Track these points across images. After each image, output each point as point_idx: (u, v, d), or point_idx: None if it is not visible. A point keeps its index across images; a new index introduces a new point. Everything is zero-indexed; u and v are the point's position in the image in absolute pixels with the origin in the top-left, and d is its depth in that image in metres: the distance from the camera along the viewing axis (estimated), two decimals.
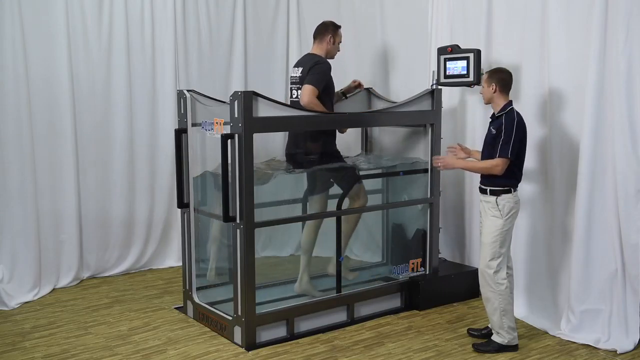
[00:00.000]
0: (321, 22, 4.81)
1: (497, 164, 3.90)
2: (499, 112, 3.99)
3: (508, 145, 3.87)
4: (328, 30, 4.73)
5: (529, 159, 4.51)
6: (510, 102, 4.01)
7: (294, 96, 4.69)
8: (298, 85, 4.63)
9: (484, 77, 4.08)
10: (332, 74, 4.66)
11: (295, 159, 4.75)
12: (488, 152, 4.03)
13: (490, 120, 4.10)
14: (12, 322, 4.57)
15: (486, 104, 4.13)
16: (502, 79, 3.99)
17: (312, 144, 4.72)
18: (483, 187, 4.06)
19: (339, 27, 4.80)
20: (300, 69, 4.65)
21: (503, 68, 4.10)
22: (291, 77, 4.78)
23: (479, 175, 4.14)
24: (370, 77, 5.85)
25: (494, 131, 3.97)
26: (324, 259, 5.06)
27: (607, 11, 3.99)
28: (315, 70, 4.53)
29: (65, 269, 5.38)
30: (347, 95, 5.15)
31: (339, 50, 4.83)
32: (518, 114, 3.99)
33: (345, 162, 4.85)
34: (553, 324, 4.40)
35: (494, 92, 3.99)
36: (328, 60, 4.71)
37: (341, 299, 4.54)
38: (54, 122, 5.23)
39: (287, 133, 4.91)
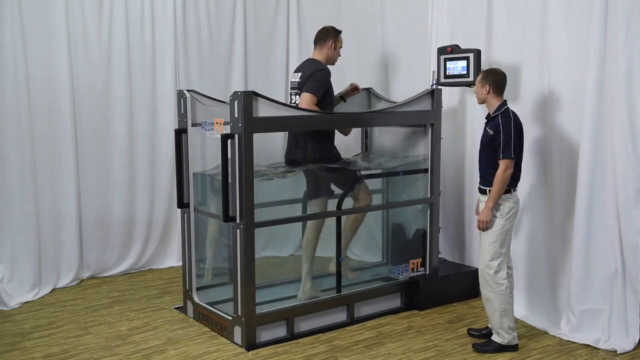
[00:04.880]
0: (322, 27, 4.76)
1: (504, 170, 3.88)
2: (494, 113, 3.99)
3: (509, 145, 3.87)
4: (329, 36, 4.68)
5: (530, 159, 4.52)
6: (504, 102, 4.01)
7: (293, 101, 4.65)
8: (297, 91, 4.61)
9: (478, 77, 4.08)
10: (332, 74, 4.65)
11: (294, 163, 4.72)
12: (485, 153, 4.03)
13: (485, 120, 4.09)
14: (12, 322, 4.57)
15: (480, 104, 4.15)
16: (496, 80, 3.99)
17: (310, 148, 4.67)
18: (482, 187, 4.06)
19: (340, 32, 4.76)
20: (300, 74, 4.62)
21: (497, 69, 4.09)
22: (291, 82, 4.75)
23: (478, 175, 4.13)
24: (370, 77, 5.85)
25: (490, 132, 3.96)
26: (325, 259, 5.06)
27: (607, 11, 3.99)
28: (314, 77, 4.50)
29: (65, 269, 5.38)
30: (346, 99, 5.12)
31: (339, 56, 4.80)
32: (514, 113, 3.99)
33: (345, 163, 4.81)
34: (553, 324, 4.40)
35: (487, 93, 3.99)
36: (328, 65, 4.68)
37: (341, 299, 4.54)
38: (54, 122, 5.23)
39: (286, 138, 4.89)
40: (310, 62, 4.70)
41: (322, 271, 5.02)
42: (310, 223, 4.66)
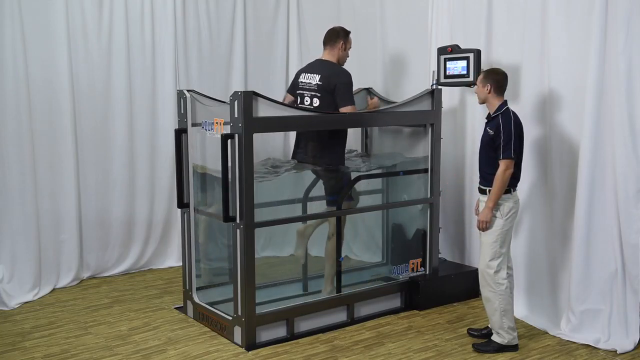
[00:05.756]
0: (330, 28, 4.73)
1: (504, 170, 3.88)
2: (494, 113, 3.99)
3: (509, 145, 3.87)
4: (339, 37, 4.66)
5: (530, 159, 4.52)
6: (505, 102, 4.01)
7: (306, 103, 4.61)
8: (314, 93, 4.57)
9: (479, 77, 4.08)
10: None
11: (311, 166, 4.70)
12: (485, 152, 4.03)
13: (486, 120, 4.09)
14: (12, 322, 4.57)
15: (480, 103, 4.15)
16: (497, 80, 3.99)
17: (333, 150, 4.63)
18: (482, 187, 4.06)
19: (349, 32, 4.74)
20: (318, 77, 4.57)
21: (499, 69, 4.09)
22: (302, 82, 4.68)
23: (478, 175, 4.14)
24: (370, 77, 5.85)
25: (491, 132, 3.97)
26: (323, 259, 5.06)
27: (607, 11, 3.99)
28: (342, 86, 4.48)
29: (65, 269, 5.38)
30: None
31: (348, 56, 4.79)
32: (514, 113, 3.99)
33: (348, 172, 4.76)
34: (553, 324, 4.40)
35: (488, 93, 3.99)
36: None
37: (341, 299, 4.54)
38: (54, 122, 5.23)
39: (290, 139, 4.86)
40: (326, 64, 4.65)
41: (321, 271, 5.02)
42: (332, 230, 4.64)
